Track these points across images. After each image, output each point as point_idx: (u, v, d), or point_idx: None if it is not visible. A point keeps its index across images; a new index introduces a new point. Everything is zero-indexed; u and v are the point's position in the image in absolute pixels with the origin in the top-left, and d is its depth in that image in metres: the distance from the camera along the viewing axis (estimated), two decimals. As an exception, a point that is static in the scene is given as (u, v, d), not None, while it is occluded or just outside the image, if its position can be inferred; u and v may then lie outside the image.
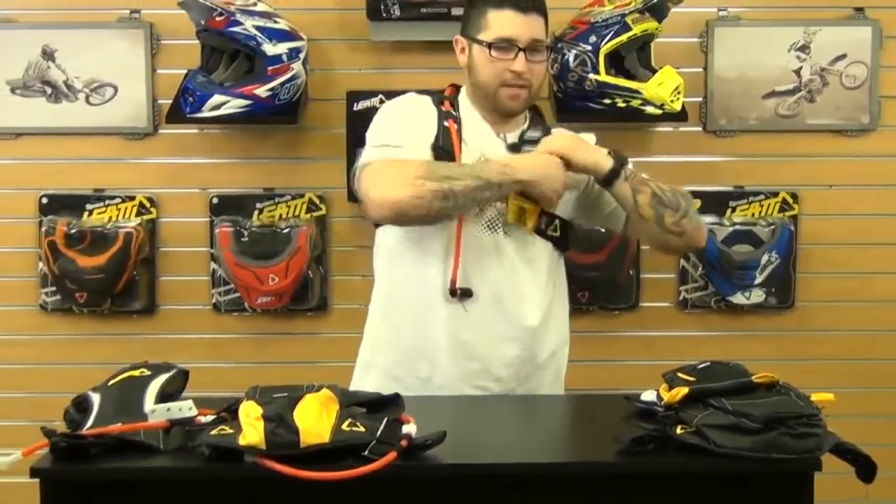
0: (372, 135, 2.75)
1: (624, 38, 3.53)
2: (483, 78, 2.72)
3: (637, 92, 3.53)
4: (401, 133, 2.71)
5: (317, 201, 3.84)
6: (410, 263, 2.73)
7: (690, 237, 2.75)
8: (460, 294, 2.66)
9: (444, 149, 2.69)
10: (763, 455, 1.94)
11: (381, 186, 2.59)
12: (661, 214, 2.66)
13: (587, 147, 2.70)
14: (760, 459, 1.94)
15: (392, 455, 1.89)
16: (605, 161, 2.65)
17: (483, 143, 2.73)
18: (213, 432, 1.95)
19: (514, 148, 2.73)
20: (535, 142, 2.73)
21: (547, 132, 2.78)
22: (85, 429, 1.99)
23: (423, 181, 2.53)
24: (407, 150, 2.64)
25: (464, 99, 2.81)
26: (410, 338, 2.74)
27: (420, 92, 2.85)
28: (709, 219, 3.79)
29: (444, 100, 2.79)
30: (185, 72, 3.61)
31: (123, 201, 3.83)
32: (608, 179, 2.65)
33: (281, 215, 3.82)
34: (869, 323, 3.92)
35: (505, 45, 2.66)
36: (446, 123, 2.72)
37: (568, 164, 2.64)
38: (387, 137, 2.70)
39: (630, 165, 2.67)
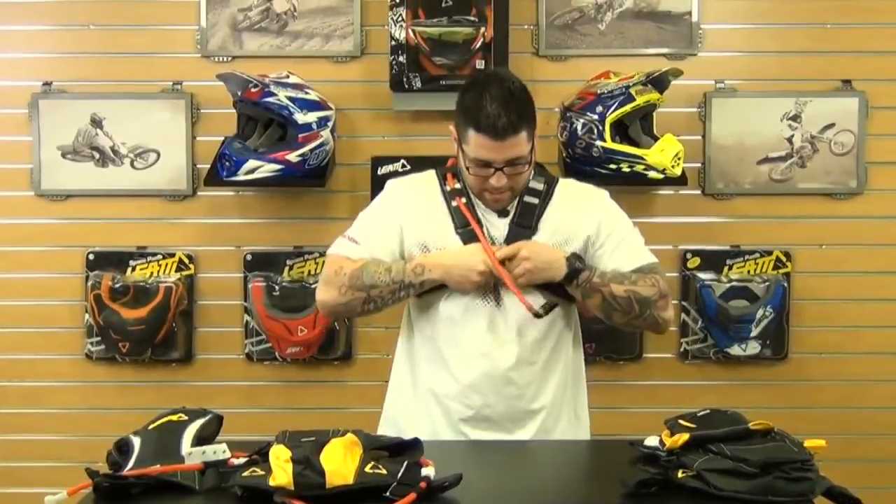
0: (357, 218, 2.78)
1: (628, 108, 3.55)
2: (468, 181, 2.67)
3: (641, 158, 3.54)
4: (370, 228, 2.73)
5: (343, 258, 3.83)
6: None
7: (643, 329, 2.99)
8: None
9: (464, 227, 2.65)
10: (759, 498, 1.93)
11: (321, 288, 2.70)
12: (609, 315, 2.65)
13: (546, 264, 2.60)
14: (757, 502, 1.93)
15: (412, 496, 1.89)
16: (559, 274, 2.59)
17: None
18: (245, 474, 1.95)
19: (504, 213, 2.68)
20: (536, 193, 2.69)
21: (551, 182, 2.74)
22: (126, 470, 1.99)
23: (348, 289, 2.63)
24: (363, 247, 2.67)
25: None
26: None
27: (432, 159, 2.78)
28: (707, 276, 3.82)
29: (447, 172, 2.74)
30: (222, 139, 3.63)
31: (164, 258, 3.85)
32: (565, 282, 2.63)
33: (310, 271, 3.82)
34: (858, 373, 3.90)
35: (482, 164, 2.59)
36: (455, 203, 2.68)
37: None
38: (356, 229, 2.74)
39: (585, 274, 2.59)
